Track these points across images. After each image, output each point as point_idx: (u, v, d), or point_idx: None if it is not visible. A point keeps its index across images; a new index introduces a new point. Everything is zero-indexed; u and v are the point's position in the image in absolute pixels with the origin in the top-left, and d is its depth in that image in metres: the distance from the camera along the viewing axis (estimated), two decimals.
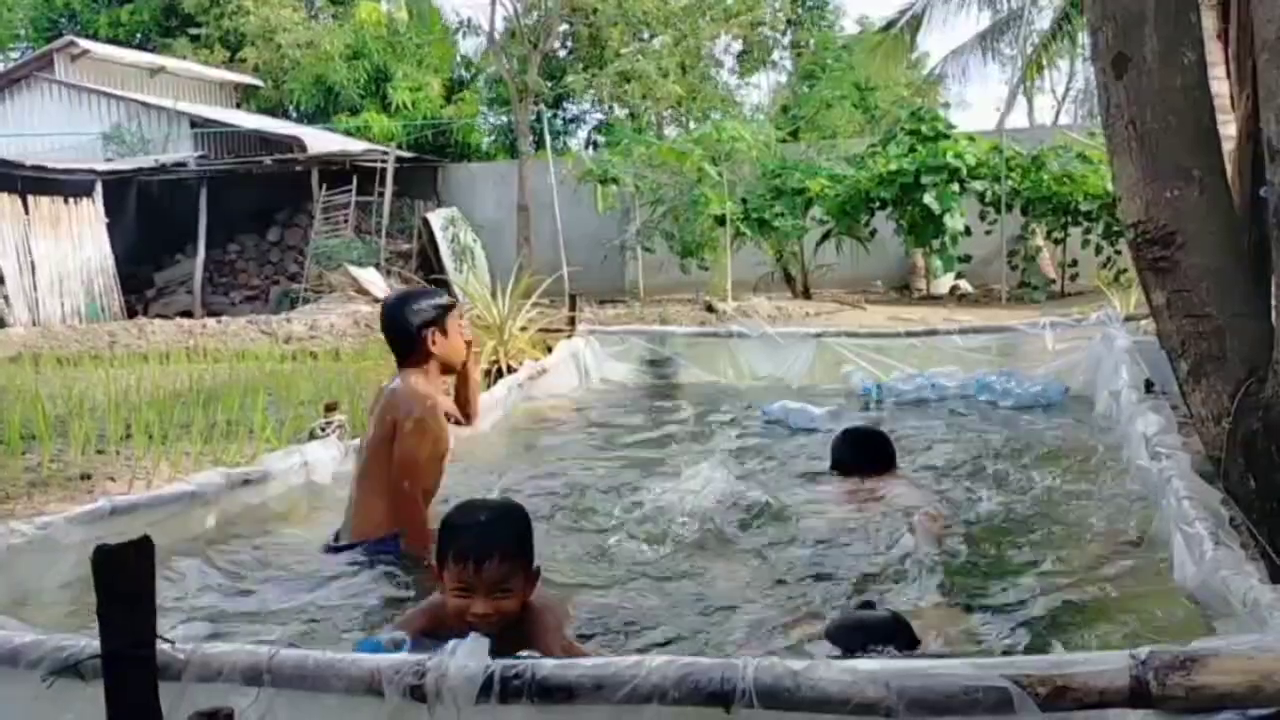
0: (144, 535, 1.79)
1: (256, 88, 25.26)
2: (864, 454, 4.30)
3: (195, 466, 5.28)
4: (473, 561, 2.48)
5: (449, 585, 2.52)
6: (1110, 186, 3.81)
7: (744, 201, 16.38)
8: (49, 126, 20.97)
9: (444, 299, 3.86)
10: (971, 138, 16.39)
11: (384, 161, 20.28)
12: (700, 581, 3.34)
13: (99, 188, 18.76)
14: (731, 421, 6.14)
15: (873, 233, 16.68)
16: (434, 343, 3.71)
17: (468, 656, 1.83)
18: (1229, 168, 3.71)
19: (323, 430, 5.00)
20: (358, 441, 4.67)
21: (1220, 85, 4.21)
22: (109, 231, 18.85)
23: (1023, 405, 6.14)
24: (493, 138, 26.64)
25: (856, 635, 2.71)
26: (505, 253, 18.75)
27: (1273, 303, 3.41)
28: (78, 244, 18.22)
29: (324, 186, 19.84)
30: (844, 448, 4.35)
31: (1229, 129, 4.10)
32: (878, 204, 16.14)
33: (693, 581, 3.33)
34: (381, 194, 20.07)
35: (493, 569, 2.48)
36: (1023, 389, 6.27)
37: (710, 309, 14.41)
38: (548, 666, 1.82)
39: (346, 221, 19.86)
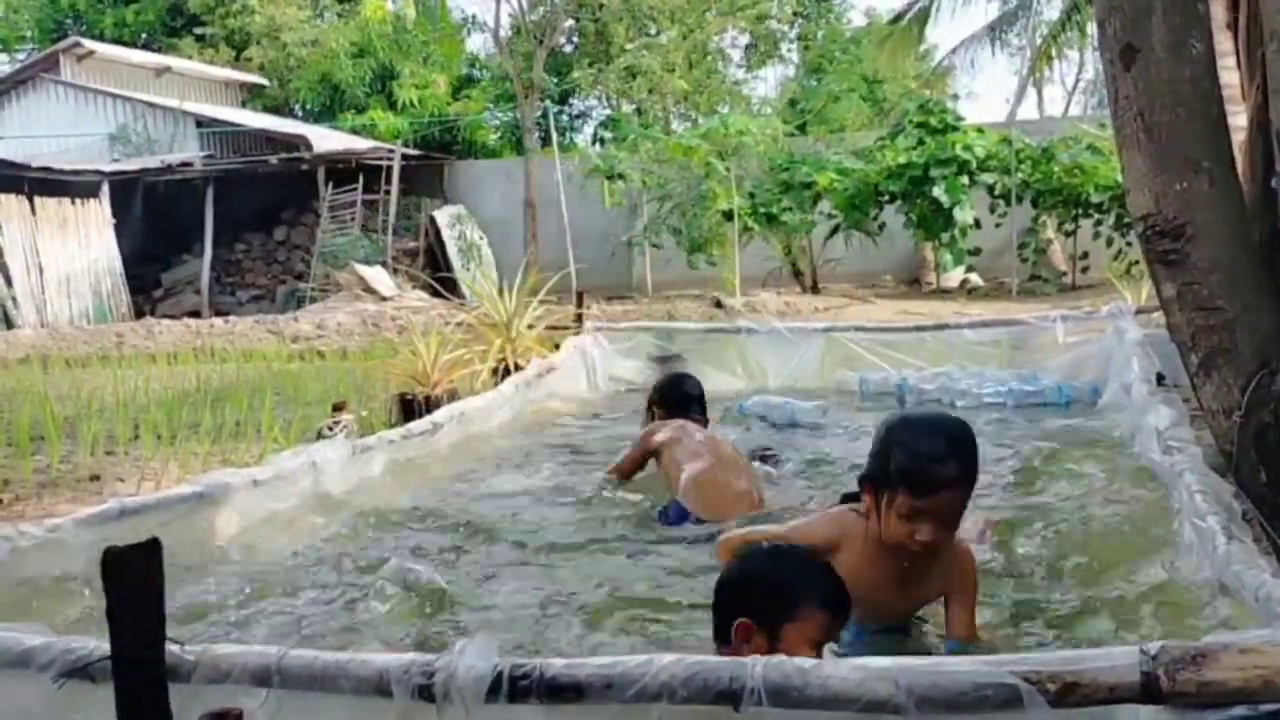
0: (153, 537, 1.79)
1: (262, 87, 25.30)
2: None
3: (203, 467, 5.29)
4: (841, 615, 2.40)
5: (799, 635, 2.31)
6: (1120, 178, 3.79)
7: (752, 196, 16.36)
8: (55, 128, 21.02)
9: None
10: (981, 130, 16.34)
11: (390, 160, 20.30)
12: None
13: (106, 188, 18.82)
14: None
15: (881, 226, 16.63)
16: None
17: (476, 656, 1.82)
18: (1239, 159, 3.68)
19: (330, 430, 5.01)
20: (366, 441, 4.69)
21: (1230, 76, 4.18)
22: (116, 232, 18.92)
23: (1046, 403, 6.07)
24: (499, 135, 26.63)
25: None
26: (512, 250, 18.77)
27: None
28: (85, 245, 18.28)
29: (330, 185, 19.87)
30: None
31: (1239, 120, 4.06)
32: (886, 197, 16.11)
33: None
34: (388, 192, 20.09)
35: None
36: (1043, 386, 6.20)
37: (718, 305, 14.41)
38: (557, 666, 1.81)
39: (353, 220, 19.89)
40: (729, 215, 16.06)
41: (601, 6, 22.91)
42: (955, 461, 2.52)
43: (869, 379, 6.78)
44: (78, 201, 18.32)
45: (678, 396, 4.75)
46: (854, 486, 2.78)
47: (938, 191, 15.31)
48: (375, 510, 4.23)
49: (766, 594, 2.34)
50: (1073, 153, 15.66)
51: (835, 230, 16.77)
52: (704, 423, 4.63)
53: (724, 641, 2.33)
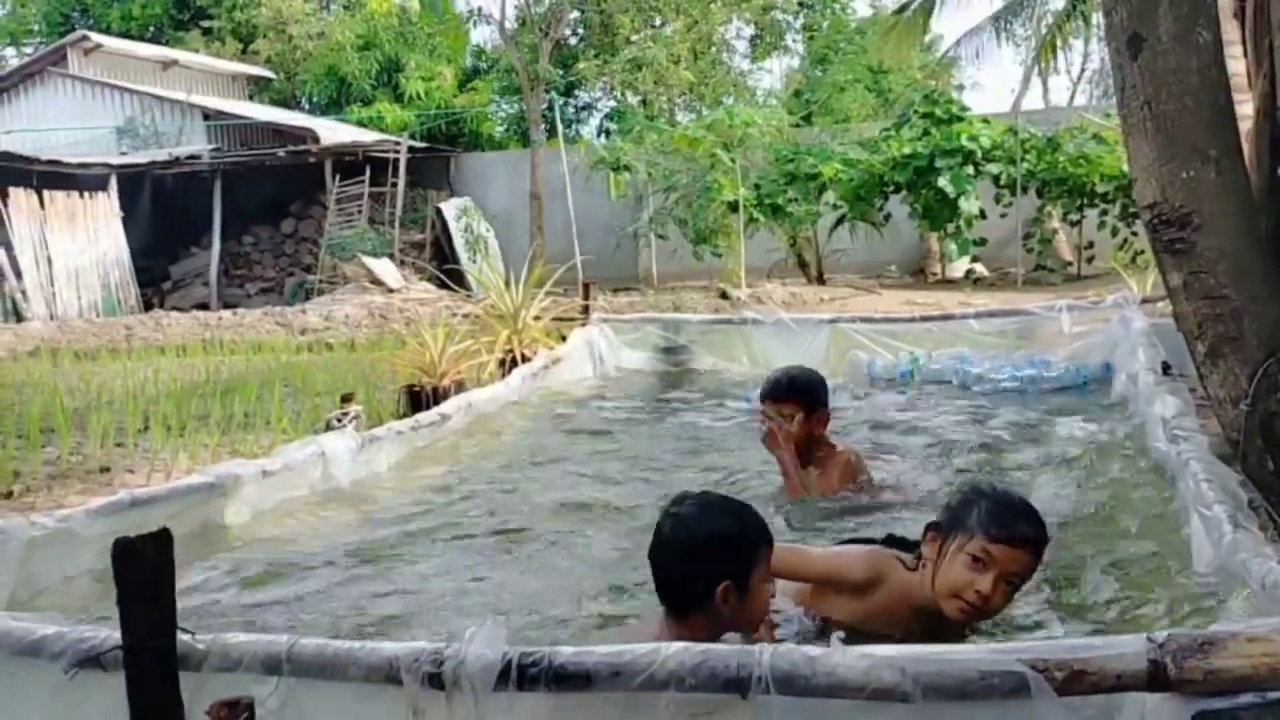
0: (163, 527, 1.81)
1: (269, 80, 25.31)
2: None
3: (213, 458, 5.31)
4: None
5: (760, 579, 2.39)
6: (1126, 168, 3.78)
7: (757, 187, 16.33)
8: (63, 121, 21.03)
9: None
10: (986, 120, 16.29)
11: (397, 152, 20.30)
12: None
13: (114, 182, 18.83)
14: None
15: (887, 217, 16.60)
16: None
17: (485, 644, 1.83)
18: (1246, 148, 3.67)
19: (339, 421, 5.02)
20: (374, 432, 4.70)
21: (1236, 65, 4.16)
22: (124, 225, 18.93)
23: (1059, 387, 6.07)
24: (505, 127, 26.60)
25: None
26: (518, 242, 18.76)
27: None
28: (93, 238, 18.30)
29: (337, 178, 19.87)
30: None
31: (1246, 109, 4.05)
32: (892, 188, 16.08)
33: None
34: (394, 185, 20.09)
35: None
36: (1057, 370, 6.20)
37: (724, 296, 14.39)
38: (565, 654, 1.82)
39: (360, 212, 19.90)
40: (734, 206, 16.02)
41: None
42: (1034, 527, 2.55)
43: (876, 361, 6.89)
44: (86, 195, 18.33)
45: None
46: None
47: (943, 182, 15.27)
48: (378, 501, 4.25)
49: (739, 549, 2.33)
50: (1078, 142, 15.61)
51: (840, 221, 16.74)
52: None
53: (693, 608, 2.31)
